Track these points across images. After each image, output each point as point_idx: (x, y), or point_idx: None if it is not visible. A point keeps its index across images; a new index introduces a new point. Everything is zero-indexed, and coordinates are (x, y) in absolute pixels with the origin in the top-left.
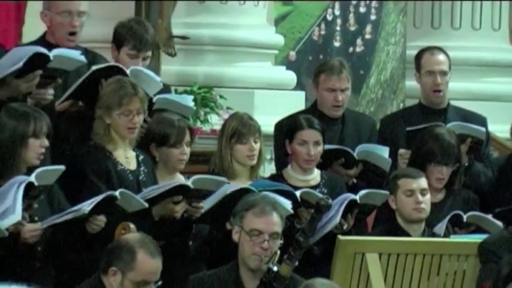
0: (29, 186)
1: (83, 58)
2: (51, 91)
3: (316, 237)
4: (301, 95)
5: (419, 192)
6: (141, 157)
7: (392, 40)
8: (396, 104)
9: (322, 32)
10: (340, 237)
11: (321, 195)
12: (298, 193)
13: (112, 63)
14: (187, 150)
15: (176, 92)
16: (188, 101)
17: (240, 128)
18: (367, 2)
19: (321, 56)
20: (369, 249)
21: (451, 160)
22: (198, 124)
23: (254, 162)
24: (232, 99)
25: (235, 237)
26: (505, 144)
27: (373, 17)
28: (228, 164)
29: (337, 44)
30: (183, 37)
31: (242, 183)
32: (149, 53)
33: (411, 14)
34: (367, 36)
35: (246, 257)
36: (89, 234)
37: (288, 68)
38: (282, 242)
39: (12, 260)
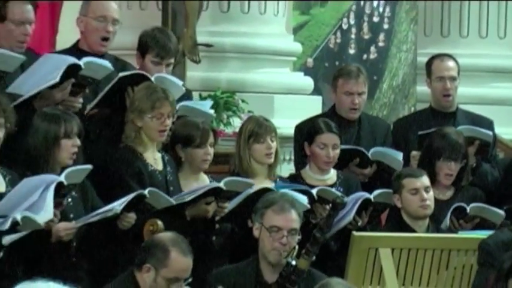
0: (59, 185)
1: (111, 66)
2: (80, 99)
3: (332, 232)
4: (318, 99)
5: (423, 190)
6: (166, 158)
7: (404, 47)
8: (408, 108)
9: (338, 40)
10: (355, 233)
11: (337, 193)
12: (315, 190)
13: (138, 70)
14: (211, 150)
15: (200, 96)
16: (207, 107)
17: (256, 129)
18: (381, 11)
19: (337, 63)
20: (382, 245)
21: (458, 156)
22: (221, 127)
23: (272, 160)
24: (253, 103)
25: (255, 233)
26: (511, 146)
27: (386, 26)
28: (247, 163)
29: (352, 51)
30: (207, 45)
31: (261, 181)
32: (172, 60)
33: (422, 23)
34: (380, 44)
35: (266, 252)
36: (120, 230)
37: (305, 74)
38: (299, 237)
39: (48, 255)
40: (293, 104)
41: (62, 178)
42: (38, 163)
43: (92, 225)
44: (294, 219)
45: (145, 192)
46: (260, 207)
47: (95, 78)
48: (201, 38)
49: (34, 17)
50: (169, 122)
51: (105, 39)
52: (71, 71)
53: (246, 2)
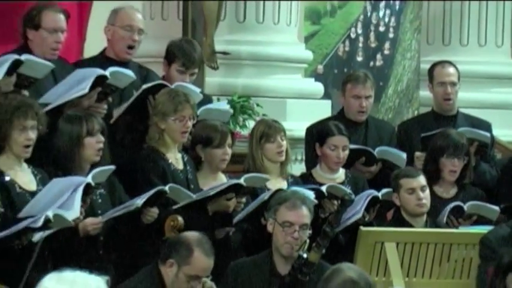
0: (86, 185)
1: (134, 75)
2: (105, 106)
3: (342, 227)
4: (327, 103)
5: (419, 190)
6: (186, 158)
7: (408, 55)
8: (411, 112)
9: (346, 49)
10: (362, 228)
11: (346, 189)
12: (325, 187)
13: (159, 81)
14: (229, 151)
15: (218, 101)
16: (224, 105)
17: (266, 130)
18: (386, 21)
19: (345, 70)
20: (387, 239)
21: (461, 154)
22: (238, 129)
23: (283, 158)
24: (267, 107)
25: (269, 228)
26: (508, 147)
27: (391, 35)
28: (260, 163)
29: (359, 58)
30: (225, 53)
31: (274, 179)
32: (196, 70)
33: (425, 32)
34: (386, 52)
35: (279, 246)
36: (143, 224)
37: (316, 80)
38: (310, 232)
39: (76, 248)
40: (304, 107)
41: (89, 179)
42: (65, 162)
43: (118, 220)
44: (305, 215)
45: (166, 188)
46: (273, 204)
47: (119, 86)
48: (218, 46)
49: (66, 26)
50: (190, 124)
51: (131, 47)
52: (98, 80)
53: (261, 13)
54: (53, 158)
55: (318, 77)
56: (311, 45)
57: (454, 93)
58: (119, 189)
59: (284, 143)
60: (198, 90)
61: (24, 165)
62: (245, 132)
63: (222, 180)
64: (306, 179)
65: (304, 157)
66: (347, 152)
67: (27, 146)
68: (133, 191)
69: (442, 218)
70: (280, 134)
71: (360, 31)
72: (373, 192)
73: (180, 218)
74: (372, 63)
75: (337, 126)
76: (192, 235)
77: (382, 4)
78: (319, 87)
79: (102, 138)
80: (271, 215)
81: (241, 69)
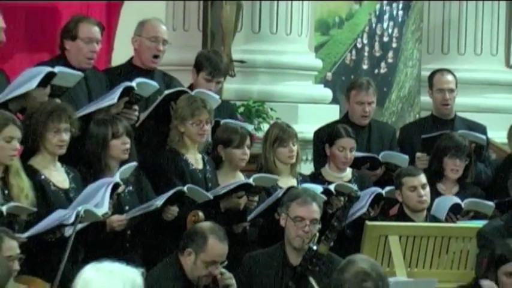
0: (115, 184)
1: (157, 85)
2: (136, 113)
3: (349, 222)
4: (336, 108)
5: (420, 187)
6: (206, 158)
7: (410, 63)
8: (413, 115)
9: (353, 57)
10: (368, 222)
11: (352, 187)
12: (333, 185)
13: (180, 88)
14: (248, 151)
15: (235, 106)
16: (249, 126)
17: (281, 134)
18: (390, 32)
19: (352, 77)
20: (391, 233)
21: (463, 154)
22: (253, 131)
23: (293, 161)
24: (280, 111)
25: (282, 222)
26: (502, 148)
27: (394, 45)
28: (272, 164)
29: (365, 66)
30: (241, 61)
31: (285, 178)
32: (221, 79)
33: (425, 43)
34: (390, 61)
35: (291, 239)
36: (165, 221)
37: (325, 86)
38: (319, 226)
39: (105, 242)
40: (314, 112)
41: (117, 179)
42: (94, 162)
43: (143, 217)
44: (315, 210)
45: (184, 188)
46: (286, 200)
47: (143, 96)
48: (235, 55)
49: (100, 37)
50: (207, 127)
51: (156, 56)
52: (126, 90)
53: (275, 24)
54: (84, 158)
55: (327, 84)
56: (321, 54)
57: (451, 99)
58: (147, 187)
59: (295, 147)
60: (217, 96)
61: (58, 164)
62: (260, 135)
63: (240, 178)
64: (315, 177)
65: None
66: (354, 153)
67: (61, 147)
68: (157, 188)
69: (442, 215)
70: (292, 139)
71: (365, 41)
72: (377, 190)
73: (200, 213)
74: (376, 71)
75: (346, 129)
76: (205, 224)
77: (386, 16)
78: (328, 93)
79: (128, 140)
80: (283, 210)
81: (257, 76)
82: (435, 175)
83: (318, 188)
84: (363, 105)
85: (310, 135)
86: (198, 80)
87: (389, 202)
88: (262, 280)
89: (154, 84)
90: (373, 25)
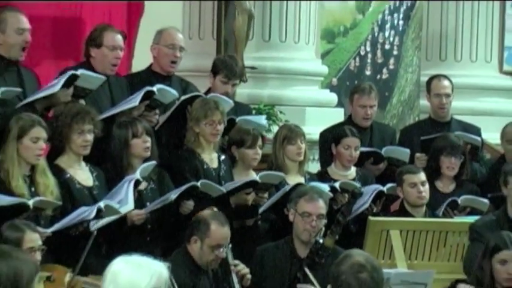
0: (136, 181)
1: (177, 94)
2: (156, 116)
3: (352, 217)
4: (340, 111)
5: (420, 184)
6: (222, 157)
7: (410, 70)
8: (413, 118)
9: (357, 64)
10: (371, 218)
11: (355, 184)
12: (338, 183)
13: (195, 93)
14: (260, 151)
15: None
16: (262, 119)
17: (289, 133)
18: (391, 40)
19: (356, 82)
20: (392, 227)
21: (457, 152)
22: (264, 133)
23: (301, 158)
24: (289, 114)
25: (290, 217)
26: (496, 148)
27: (395, 52)
28: (281, 162)
29: (368, 72)
30: (252, 67)
31: (293, 176)
32: (237, 81)
33: (424, 50)
34: (391, 67)
35: (299, 233)
36: (183, 215)
37: (331, 91)
38: (325, 221)
39: (127, 235)
40: (321, 114)
41: (137, 176)
42: (118, 161)
43: (162, 211)
44: (322, 206)
45: (198, 183)
46: (294, 197)
47: (163, 102)
48: (247, 62)
49: (123, 45)
50: (220, 127)
51: (174, 62)
52: (147, 94)
53: (284, 33)
54: (109, 158)
55: (332, 88)
56: (326, 61)
57: (448, 103)
58: (168, 185)
59: (303, 145)
60: (230, 100)
61: (83, 163)
62: (270, 136)
63: (253, 176)
64: (322, 175)
65: (317, 156)
66: (358, 151)
67: (85, 147)
68: (176, 186)
69: (439, 211)
70: (300, 137)
71: (368, 49)
72: (378, 187)
73: (215, 209)
74: (378, 77)
75: (351, 130)
76: (206, 212)
77: (388, 25)
78: (333, 97)
79: (148, 138)
80: (292, 206)
81: (267, 82)
82: (433, 173)
83: (324, 187)
84: (365, 108)
85: (316, 136)
86: (215, 83)
87: (390, 198)
88: (272, 271)
89: (173, 92)
90: (376, 34)
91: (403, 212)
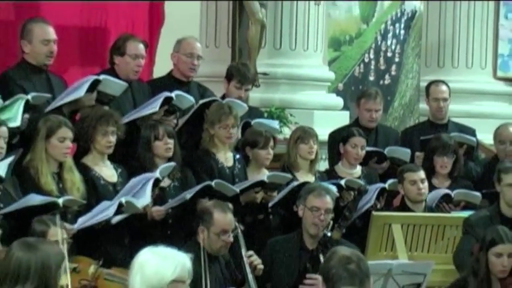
0: (156, 179)
1: (193, 100)
2: (174, 120)
3: (359, 213)
4: (346, 114)
5: (419, 181)
6: (237, 157)
7: (410, 75)
8: (413, 120)
9: (361, 70)
10: (374, 213)
11: (360, 182)
12: (343, 181)
13: (213, 98)
14: (271, 151)
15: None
16: (275, 123)
17: (302, 134)
18: (393, 48)
19: (360, 87)
20: (394, 221)
21: (449, 151)
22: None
23: (313, 157)
24: (299, 116)
25: (300, 212)
26: (490, 148)
27: (397, 59)
28: (294, 160)
29: (371, 78)
30: (265, 73)
31: (304, 174)
32: (249, 86)
33: (423, 57)
34: (393, 73)
35: (308, 226)
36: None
37: (337, 95)
38: (332, 215)
39: (149, 229)
40: (328, 117)
41: (157, 175)
42: (142, 160)
43: (180, 208)
44: (329, 201)
45: (212, 183)
46: (303, 193)
47: (181, 108)
48: (260, 68)
49: (145, 53)
50: (233, 131)
51: (192, 69)
52: (166, 100)
53: (294, 42)
54: (134, 157)
55: (338, 93)
56: (333, 68)
57: (445, 107)
58: (191, 183)
59: (315, 146)
60: (245, 105)
61: (107, 161)
62: (281, 137)
63: (261, 176)
64: (329, 173)
65: (327, 156)
66: (364, 151)
67: (109, 147)
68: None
69: (432, 203)
70: (313, 138)
71: (372, 56)
72: (381, 185)
73: (230, 205)
74: (381, 82)
75: (358, 130)
76: (208, 203)
77: (390, 35)
78: (339, 101)
79: (169, 141)
80: (301, 202)
81: (278, 87)
82: (428, 172)
83: (332, 187)
84: (370, 111)
85: (324, 137)
86: (229, 89)
87: (392, 194)
88: (282, 262)
89: (190, 98)
90: (379, 42)
91: (404, 207)
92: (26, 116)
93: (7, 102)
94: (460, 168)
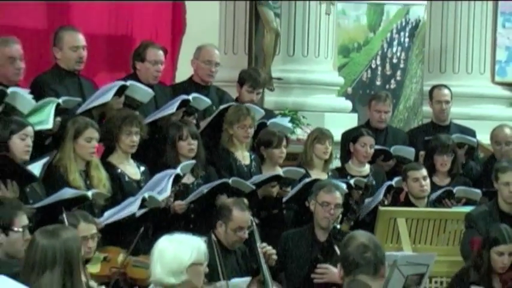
0: (177, 176)
1: (210, 101)
2: (194, 121)
3: (368, 210)
4: (354, 116)
5: (422, 179)
6: (253, 156)
7: (414, 80)
8: (417, 122)
9: (369, 75)
10: (380, 208)
11: (365, 181)
12: (352, 180)
13: (232, 103)
14: (284, 151)
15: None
16: (287, 122)
17: (319, 135)
18: (398, 55)
19: (368, 91)
20: (399, 216)
21: (447, 150)
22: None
23: (327, 157)
24: (310, 118)
25: (311, 207)
26: (488, 148)
27: (401, 65)
28: (309, 158)
29: (378, 83)
30: (279, 78)
31: (317, 172)
32: (260, 90)
33: (426, 63)
34: (398, 78)
35: (319, 220)
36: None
37: (346, 99)
38: (342, 209)
39: (171, 222)
40: (337, 119)
41: (178, 171)
42: (166, 157)
43: (202, 204)
44: (339, 197)
45: (229, 180)
46: (314, 189)
47: (199, 109)
48: (274, 74)
49: (164, 59)
50: (250, 131)
51: (210, 75)
52: (183, 102)
53: (306, 49)
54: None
55: (347, 97)
56: (342, 73)
57: (447, 109)
58: (214, 179)
59: (330, 147)
60: (261, 110)
61: (131, 160)
62: (294, 137)
63: (279, 172)
64: (340, 171)
65: (338, 155)
66: (373, 150)
67: (132, 146)
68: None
69: (434, 196)
70: (328, 139)
71: (378, 62)
72: (388, 183)
73: (246, 201)
74: (387, 86)
75: (367, 130)
76: (229, 200)
77: (395, 42)
78: (348, 104)
79: (192, 141)
80: (313, 198)
81: (291, 91)
82: (429, 170)
83: (342, 185)
84: (380, 113)
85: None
86: (242, 93)
87: (398, 190)
88: (295, 253)
89: (207, 100)
90: (385, 49)
91: (408, 203)
92: (58, 119)
93: (38, 104)
94: (458, 166)
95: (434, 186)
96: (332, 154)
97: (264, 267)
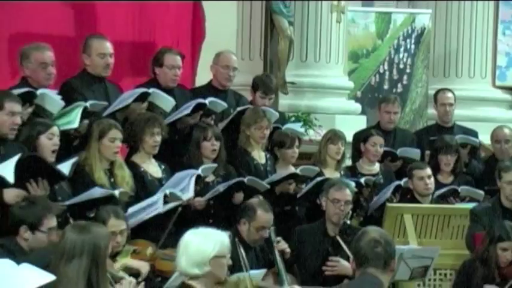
0: (198, 176)
1: (226, 105)
2: (211, 122)
3: (376, 206)
4: (363, 118)
5: (426, 177)
6: (268, 155)
7: (420, 84)
8: (422, 124)
9: (377, 80)
10: (388, 204)
11: (374, 179)
12: (363, 179)
13: (249, 106)
14: (297, 151)
15: (288, 116)
16: (299, 128)
17: (333, 136)
18: (405, 61)
19: (376, 95)
20: (405, 212)
21: (451, 151)
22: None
23: (339, 157)
24: (322, 120)
25: (323, 204)
26: (489, 148)
27: (408, 70)
28: (323, 157)
29: (386, 87)
30: (292, 83)
31: (330, 171)
32: (273, 96)
33: (431, 68)
34: (404, 82)
35: (330, 216)
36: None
37: (356, 102)
38: (351, 206)
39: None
40: (347, 121)
41: (199, 172)
42: (190, 157)
43: (221, 200)
44: (348, 194)
45: (245, 179)
46: (326, 187)
47: (215, 111)
48: (288, 78)
49: (182, 64)
50: (266, 132)
51: (228, 80)
52: (199, 105)
53: (318, 55)
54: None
55: (357, 100)
56: (352, 78)
57: (451, 112)
58: (234, 178)
59: (342, 147)
60: (276, 113)
61: (153, 159)
62: (306, 138)
63: (294, 169)
64: (351, 169)
65: (350, 154)
66: (382, 149)
67: (155, 146)
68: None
69: (439, 192)
70: (341, 140)
71: (386, 68)
72: (397, 183)
73: (261, 197)
74: (394, 90)
75: (376, 131)
76: (254, 200)
77: (402, 49)
78: (358, 107)
79: (216, 143)
80: (324, 195)
81: (304, 94)
82: (434, 169)
83: (351, 183)
84: (389, 114)
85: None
86: (255, 98)
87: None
88: (308, 247)
89: (223, 103)
90: (392, 55)
91: (413, 200)
92: (86, 121)
93: (67, 109)
94: (462, 165)
95: (438, 184)
96: (344, 154)
97: (279, 260)
